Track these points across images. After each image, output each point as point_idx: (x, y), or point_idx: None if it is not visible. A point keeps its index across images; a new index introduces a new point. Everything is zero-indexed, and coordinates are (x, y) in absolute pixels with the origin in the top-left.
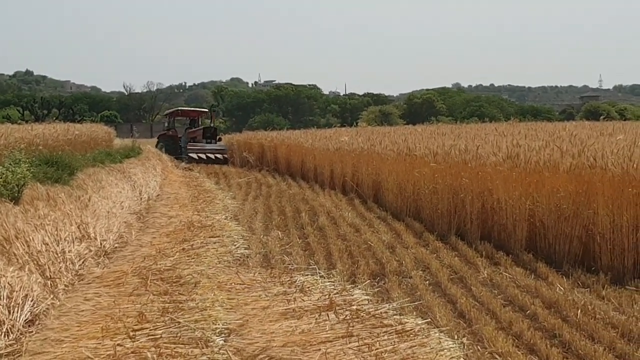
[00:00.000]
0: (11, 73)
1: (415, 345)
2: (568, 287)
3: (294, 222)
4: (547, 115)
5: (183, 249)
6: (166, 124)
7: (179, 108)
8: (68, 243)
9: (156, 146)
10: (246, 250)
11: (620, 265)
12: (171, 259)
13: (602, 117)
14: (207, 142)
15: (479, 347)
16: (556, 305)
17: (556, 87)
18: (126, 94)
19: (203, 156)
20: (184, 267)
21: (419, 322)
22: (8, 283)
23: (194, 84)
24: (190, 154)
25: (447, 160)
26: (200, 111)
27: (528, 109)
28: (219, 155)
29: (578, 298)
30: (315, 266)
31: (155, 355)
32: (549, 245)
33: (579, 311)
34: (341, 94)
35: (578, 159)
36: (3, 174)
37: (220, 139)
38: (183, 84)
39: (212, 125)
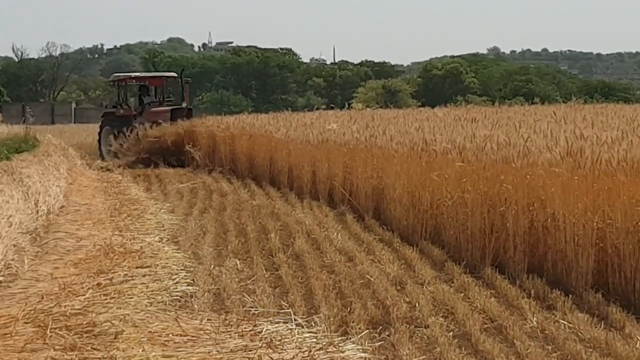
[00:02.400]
0: None
1: None
2: None
3: (258, 247)
4: (623, 95)
5: (98, 284)
6: (115, 99)
7: (134, 73)
8: None
9: (99, 133)
10: (190, 287)
11: None
12: (81, 298)
13: None
14: None
15: None
16: None
17: (637, 54)
18: (16, 60)
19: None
20: (99, 311)
21: None
22: None
23: (115, 47)
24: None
25: (480, 158)
26: (166, 76)
27: (596, 86)
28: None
29: None
30: (289, 310)
31: None
32: (626, 281)
33: None
34: (328, 63)
35: None
36: None
37: None
38: (99, 46)
39: (184, 106)
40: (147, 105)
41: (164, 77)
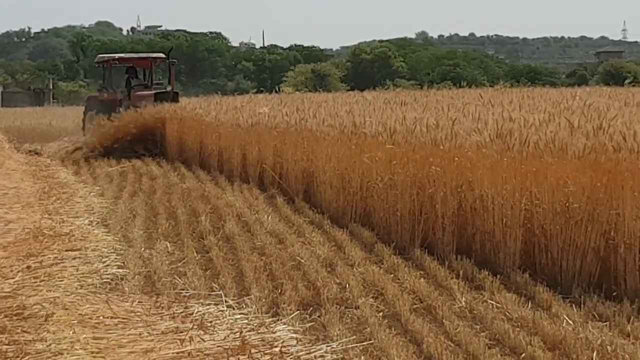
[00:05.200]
0: None
1: None
2: (579, 320)
3: (189, 230)
4: (549, 79)
5: (28, 267)
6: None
7: (118, 54)
8: None
9: (84, 115)
10: (120, 270)
11: None
12: (11, 281)
13: (627, 82)
14: None
15: None
16: (563, 346)
17: (562, 39)
18: None
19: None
20: (29, 294)
21: None
22: None
23: (43, 30)
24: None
25: (410, 140)
26: (153, 58)
27: (523, 70)
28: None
29: (593, 336)
30: (220, 292)
31: None
32: (553, 262)
33: (595, 354)
34: (257, 47)
35: (595, 138)
36: None
37: None
38: (26, 29)
39: (168, 89)
40: (132, 88)
41: (151, 59)
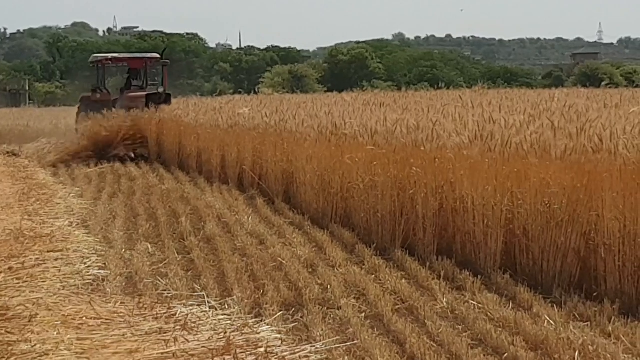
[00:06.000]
0: None
1: None
2: (560, 320)
3: (169, 231)
4: (525, 80)
5: (10, 268)
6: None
7: (111, 54)
8: None
9: (77, 116)
10: (102, 271)
11: (633, 290)
12: None
13: (604, 84)
14: None
15: None
16: (545, 346)
17: (538, 40)
18: None
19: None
20: (12, 295)
21: None
22: None
23: (19, 31)
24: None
25: (391, 142)
26: (146, 58)
27: (499, 71)
28: None
29: (575, 335)
30: (203, 293)
31: None
32: (534, 262)
33: (577, 354)
34: (234, 48)
35: (576, 140)
36: None
37: None
38: (2, 30)
39: (160, 91)
40: (125, 90)
41: (146, 59)
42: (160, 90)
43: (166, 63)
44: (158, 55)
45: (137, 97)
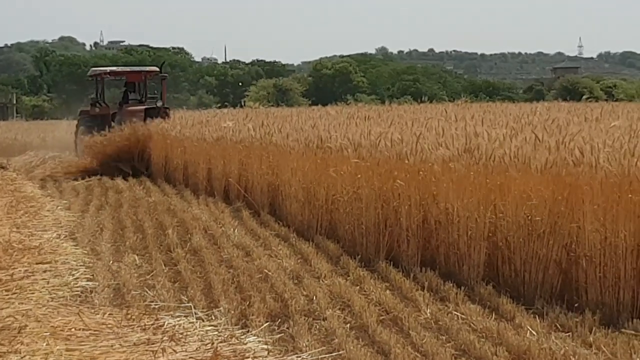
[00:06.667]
0: None
1: None
2: (542, 330)
3: (156, 243)
4: (507, 94)
5: None
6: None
7: (109, 68)
8: None
9: (76, 130)
10: (90, 283)
11: (614, 301)
12: None
13: (584, 97)
14: None
15: None
16: (527, 356)
17: (519, 54)
18: None
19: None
20: (1, 306)
21: None
22: None
23: (6, 45)
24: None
25: (375, 155)
26: (145, 71)
27: (481, 85)
28: None
29: (557, 346)
30: (190, 304)
31: None
32: (516, 274)
33: None
34: (219, 62)
35: (557, 153)
36: None
37: None
38: None
39: (159, 105)
40: (124, 103)
41: (144, 72)
42: (159, 104)
43: (165, 77)
44: (157, 69)
45: (136, 111)
